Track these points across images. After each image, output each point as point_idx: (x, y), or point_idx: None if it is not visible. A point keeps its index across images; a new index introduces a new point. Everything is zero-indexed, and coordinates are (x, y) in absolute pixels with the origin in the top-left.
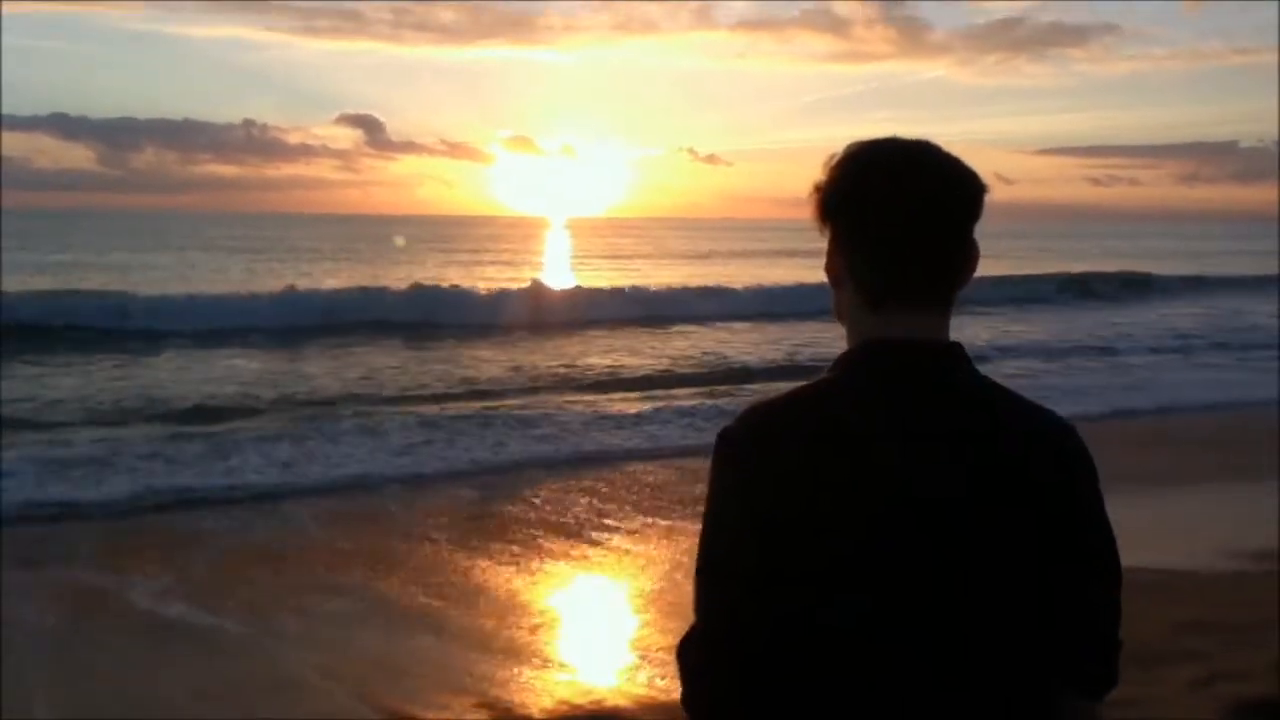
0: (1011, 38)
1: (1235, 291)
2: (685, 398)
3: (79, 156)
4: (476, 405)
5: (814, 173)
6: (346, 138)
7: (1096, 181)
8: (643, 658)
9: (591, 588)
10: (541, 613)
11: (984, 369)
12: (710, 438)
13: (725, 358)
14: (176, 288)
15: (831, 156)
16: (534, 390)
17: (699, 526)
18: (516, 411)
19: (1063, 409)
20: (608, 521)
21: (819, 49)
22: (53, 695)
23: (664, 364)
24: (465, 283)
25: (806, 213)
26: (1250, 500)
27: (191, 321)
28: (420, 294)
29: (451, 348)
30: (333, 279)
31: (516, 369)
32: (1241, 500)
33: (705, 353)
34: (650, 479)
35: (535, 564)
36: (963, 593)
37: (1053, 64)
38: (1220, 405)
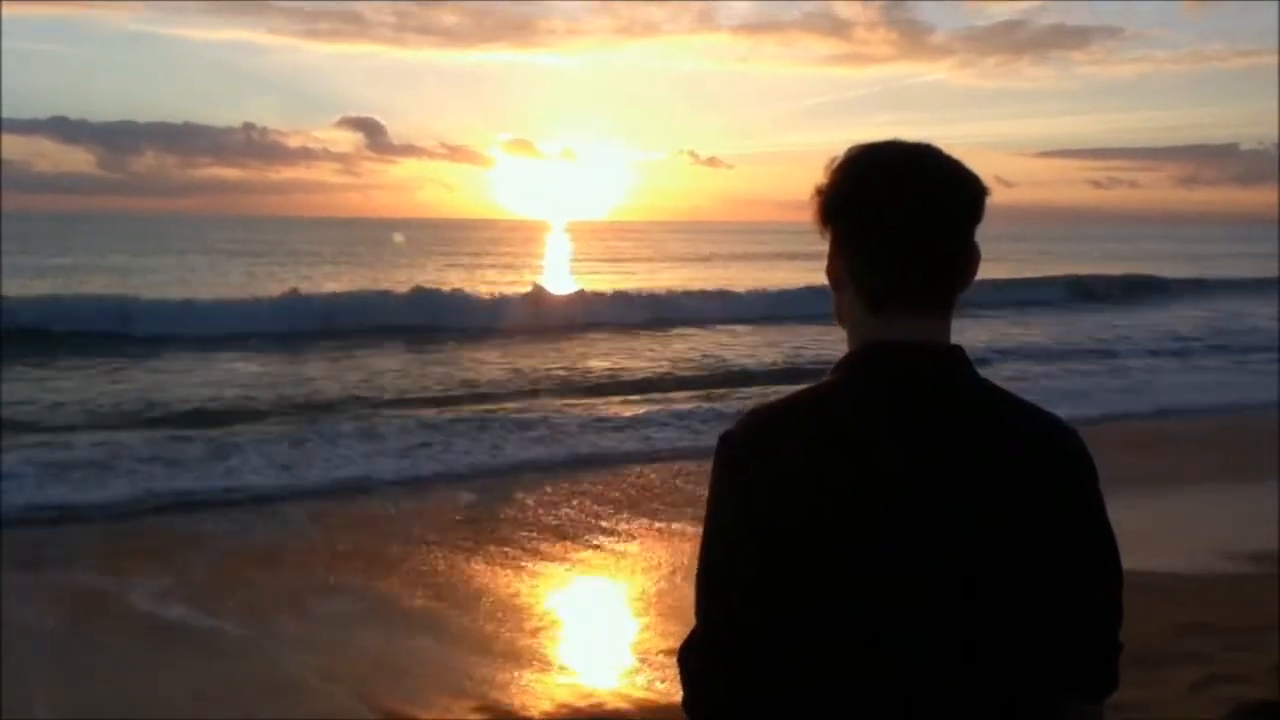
0: (1013, 40)
1: (1235, 294)
2: (683, 401)
3: (79, 160)
4: (476, 408)
5: (815, 176)
6: (347, 141)
7: (1097, 184)
8: (643, 661)
9: (591, 590)
10: (541, 615)
11: (984, 372)
12: (707, 441)
13: (725, 361)
14: (177, 291)
15: (832, 159)
16: (533, 393)
17: (698, 529)
18: (515, 415)
19: (1062, 411)
20: (606, 524)
21: (821, 51)
22: (53, 696)
23: (664, 367)
24: (466, 286)
25: (808, 216)
26: (1250, 502)
27: (192, 326)
28: (421, 298)
29: (452, 351)
30: (333, 282)
31: (516, 372)
32: (1242, 502)
33: (705, 356)
34: (647, 482)
35: (535, 566)
36: (965, 596)
37: (1054, 66)
38: (1220, 408)
